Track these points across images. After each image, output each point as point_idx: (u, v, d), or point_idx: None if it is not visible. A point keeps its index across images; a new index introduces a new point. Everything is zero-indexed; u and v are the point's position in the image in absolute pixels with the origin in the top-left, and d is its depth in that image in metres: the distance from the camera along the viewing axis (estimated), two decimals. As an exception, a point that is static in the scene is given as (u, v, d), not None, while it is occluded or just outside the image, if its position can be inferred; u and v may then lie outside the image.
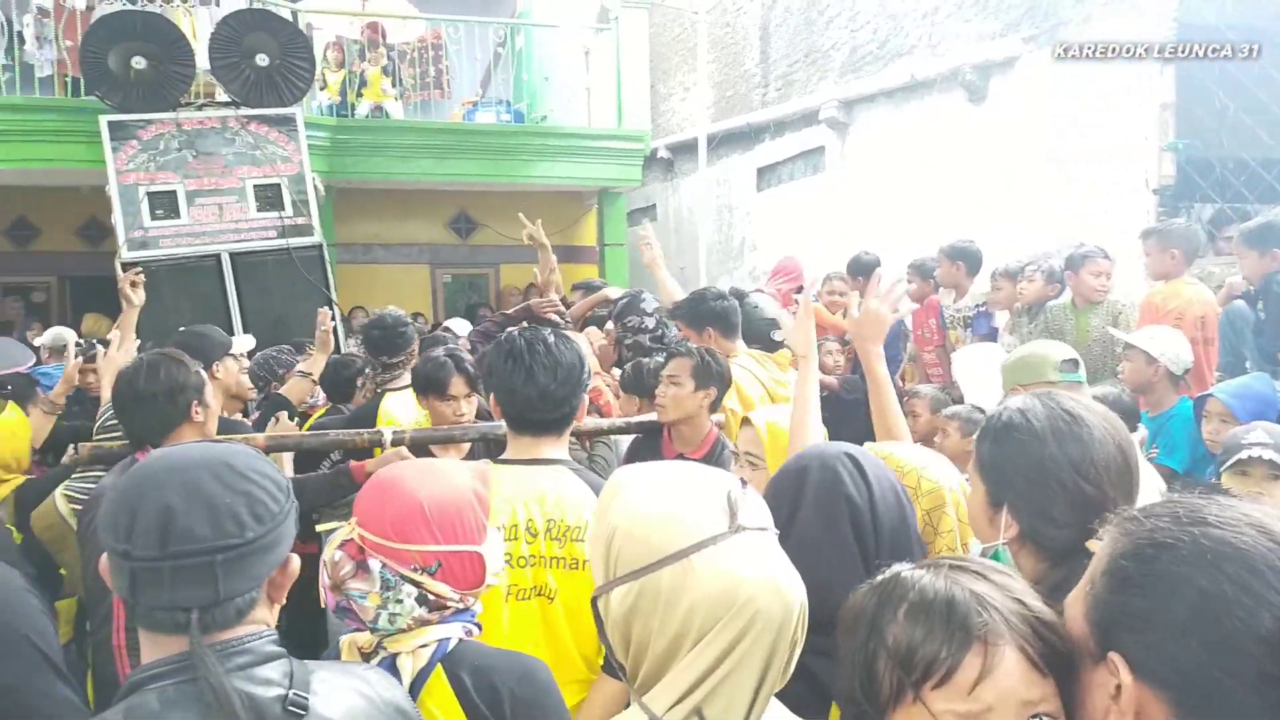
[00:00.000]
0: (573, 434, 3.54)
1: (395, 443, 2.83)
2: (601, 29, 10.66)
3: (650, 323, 4.29)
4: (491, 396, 2.22)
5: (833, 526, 1.59)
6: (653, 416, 3.24)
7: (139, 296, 4.10)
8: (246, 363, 4.19)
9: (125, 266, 5.89)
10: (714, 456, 3.08)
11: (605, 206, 10.84)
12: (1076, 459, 1.41)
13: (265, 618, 1.17)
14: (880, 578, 1.05)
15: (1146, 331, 3.90)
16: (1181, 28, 5.47)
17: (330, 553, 1.48)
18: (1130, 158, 5.75)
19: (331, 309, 6.28)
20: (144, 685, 1.09)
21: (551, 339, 2.13)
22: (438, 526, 1.51)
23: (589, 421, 3.39)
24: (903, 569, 1.03)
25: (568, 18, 11.25)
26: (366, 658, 1.49)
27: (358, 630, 1.54)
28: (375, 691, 1.22)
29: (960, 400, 4.39)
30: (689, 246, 11.07)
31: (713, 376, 3.08)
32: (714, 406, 3.15)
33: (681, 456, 3.14)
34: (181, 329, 4.04)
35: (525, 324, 4.17)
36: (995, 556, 1.45)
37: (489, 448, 2.95)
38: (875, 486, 1.62)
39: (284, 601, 1.23)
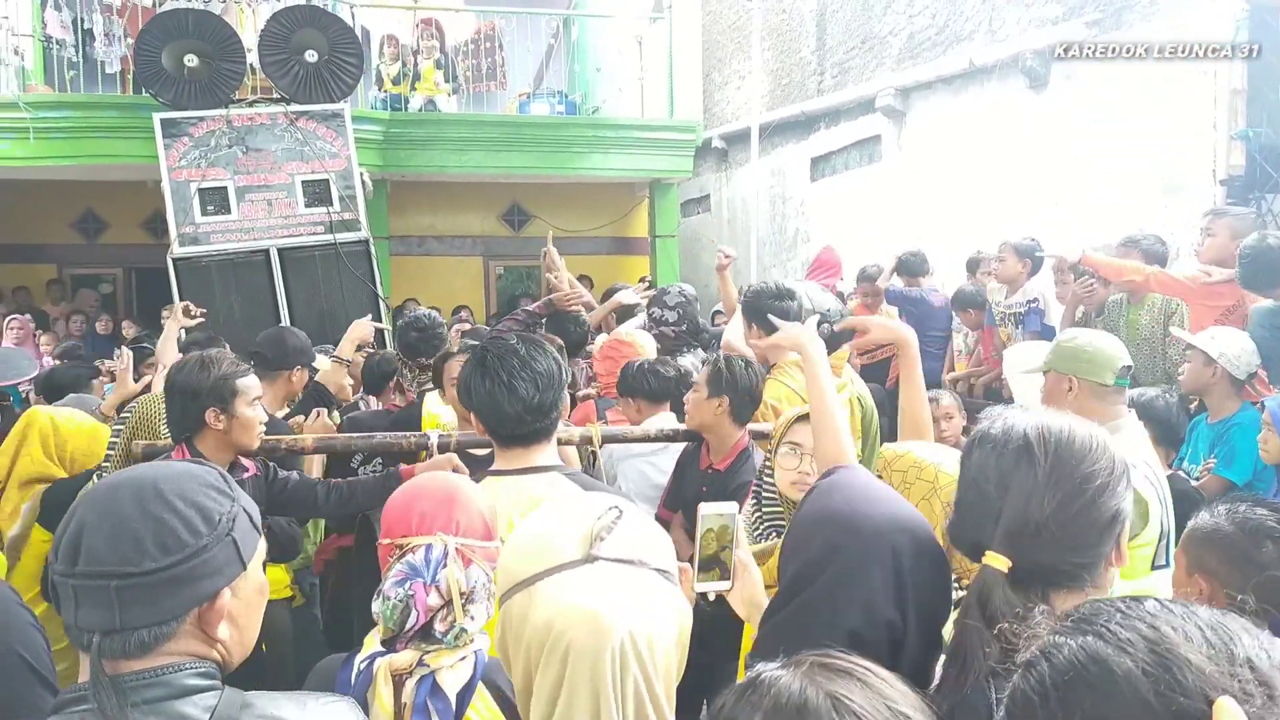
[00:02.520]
0: (619, 441, 3.50)
1: (441, 447, 2.82)
2: (655, 18, 10.57)
3: (671, 316, 4.22)
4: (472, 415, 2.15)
5: (832, 628, 1.31)
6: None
7: (177, 321, 4.38)
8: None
9: (177, 261, 6.02)
10: (737, 468, 3.00)
11: (657, 197, 10.77)
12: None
13: (192, 649, 1.12)
14: (742, 681, 0.93)
15: (1209, 331, 3.71)
16: (1255, 8, 5.18)
17: (451, 574, 1.45)
18: (1197, 147, 5.49)
19: (377, 304, 6.36)
20: (64, 707, 1.07)
21: (522, 348, 2.08)
22: (495, 525, 1.61)
23: (634, 430, 3.33)
24: (765, 669, 0.92)
25: (621, 8, 11.19)
26: (405, 677, 1.45)
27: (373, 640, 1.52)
28: None
29: (1009, 399, 4.27)
30: (742, 238, 10.94)
31: (724, 385, 2.98)
32: (739, 417, 3.05)
33: (711, 468, 3.08)
34: (281, 326, 4.08)
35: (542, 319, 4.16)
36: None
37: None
38: (910, 595, 1.34)
39: (222, 635, 1.15)
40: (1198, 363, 3.55)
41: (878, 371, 6.50)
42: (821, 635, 1.28)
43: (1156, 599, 0.80)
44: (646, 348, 3.94)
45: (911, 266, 6.47)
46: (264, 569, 1.23)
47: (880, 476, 2.01)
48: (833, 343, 3.53)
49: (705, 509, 1.90)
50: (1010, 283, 5.46)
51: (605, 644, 1.01)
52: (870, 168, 9.37)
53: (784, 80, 11.10)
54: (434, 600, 1.43)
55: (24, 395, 5.14)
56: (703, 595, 1.70)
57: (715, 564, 1.80)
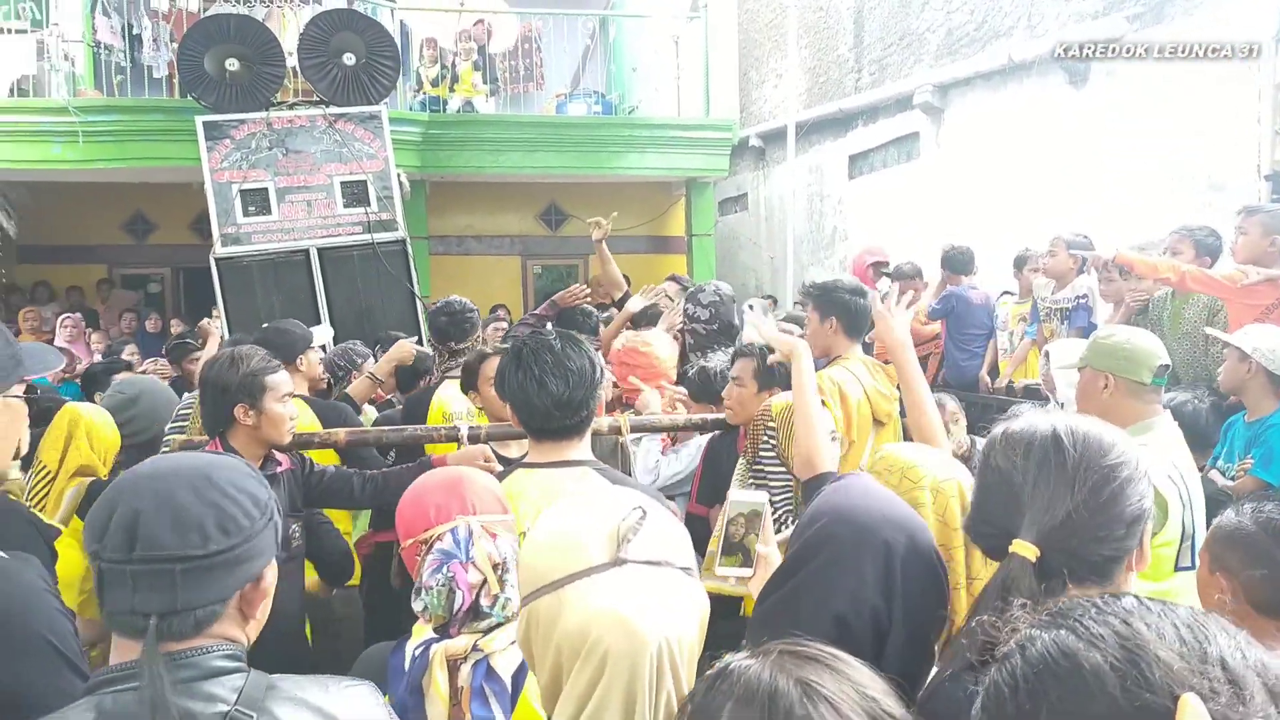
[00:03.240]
0: (649, 430, 3.53)
1: (472, 439, 2.86)
2: (692, 18, 10.57)
3: (704, 314, 4.21)
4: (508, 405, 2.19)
5: (819, 612, 1.35)
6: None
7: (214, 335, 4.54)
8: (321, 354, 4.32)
9: (219, 261, 6.15)
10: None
11: (693, 196, 10.77)
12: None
13: (229, 632, 1.17)
14: (710, 671, 0.94)
15: (1245, 328, 3.64)
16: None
17: (480, 547, 1.51)
18: (1241, 142, 5.37)
19: (414, 302, 6.44)
20: (99, 689, 1.11)
21: (558, 344, 2.10)
22: (506, 502, 1.71)
23: (663, 419, 3.36)
24: (734, 659, 0.92)
25: (658, 7, 11.20)
26: (459, 663, 1.51)
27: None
28: (348, 713, 1.19)
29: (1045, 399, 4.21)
30: (779, 236, 10.91)
31: (775, 377, 2.99)
32: None
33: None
34: (265, 325, 4.17)
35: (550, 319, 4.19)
36: None
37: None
38: (898, 585, 1.36)
39: (259, 618, 1.23)
40: (1233, 359, 3.48)
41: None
42: (810, 617, 1.33)
43: (1136, 596, 0.80)
44: (663, 352, 3.95)
45: (957, 262, 6.38)
46: None
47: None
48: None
49: (735, 495, 1.93)
50: (1060, 278, 5.38)
51: (643, 650, 1.02)
52: (908, 165, 9.29)
53: (821, 78, 11.04)
54: (474, 576, 1.47)
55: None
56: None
57: (739, 550, 1.82)
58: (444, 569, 1.49)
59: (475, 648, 1.49)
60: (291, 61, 7.16)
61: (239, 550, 1.15)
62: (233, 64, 6.43)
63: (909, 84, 8.92)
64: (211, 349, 4.52)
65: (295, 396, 3.54)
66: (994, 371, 6.05)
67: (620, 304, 5.45)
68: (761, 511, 1.85)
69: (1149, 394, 2.49)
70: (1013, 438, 1.34)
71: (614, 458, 3.16)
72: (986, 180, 7.85)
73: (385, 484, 2.85)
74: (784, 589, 1.40)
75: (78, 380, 5.49)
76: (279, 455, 2.76)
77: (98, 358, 7.38)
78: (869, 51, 10.03)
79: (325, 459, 3.12)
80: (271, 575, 1.23)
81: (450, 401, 3.63)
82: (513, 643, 1.50)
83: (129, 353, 7.01)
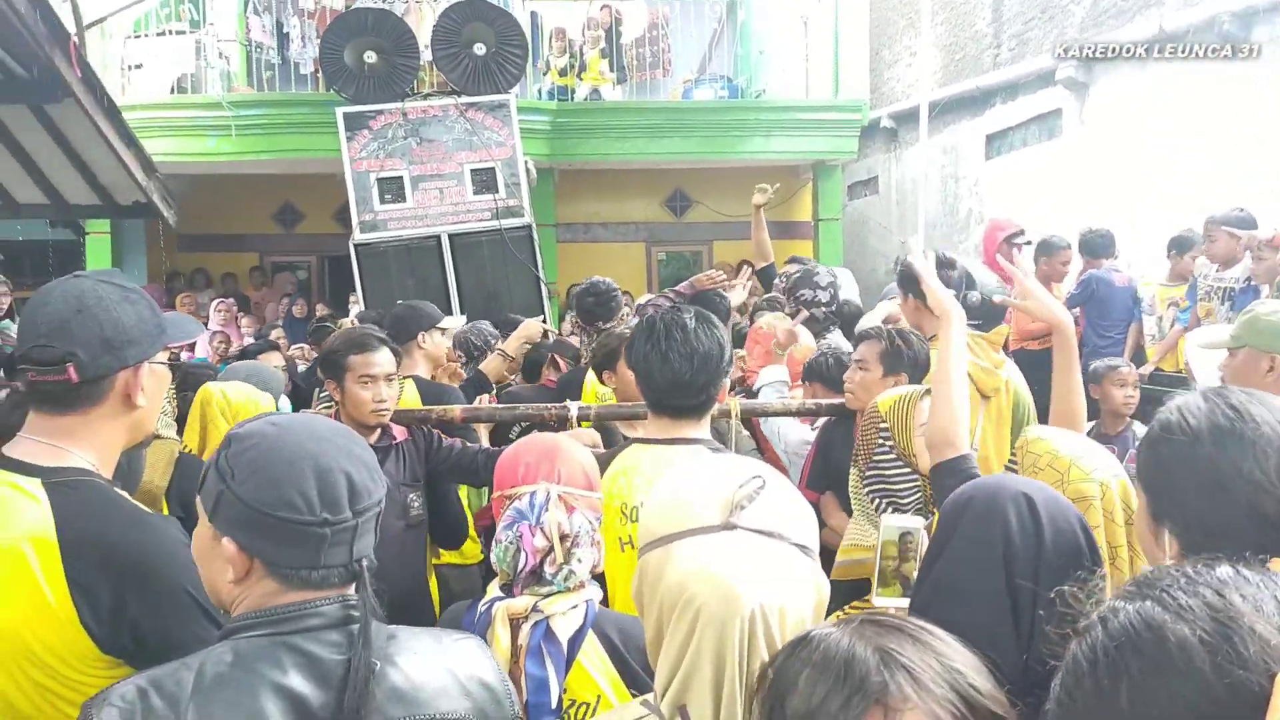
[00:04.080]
0: (760, 415, 3.50)
1: (581, 418, 2.89)
2: (822, -3, 10.38)
3: (824, 296, 4.14)
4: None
5: (983, 573, 1.32)
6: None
7: None
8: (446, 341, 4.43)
9: (358, 247, 6.42)
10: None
11: (820, 180, 10.58)
12: (1238, 460, 1.20)
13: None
14: (793, 639, 0.92)
15: None
16: None
17: (552, 515, 1.56)
18: None
19: (539, 286, 6.57)
20: (234, 634, 1.19)
21: (692, 324, 2.08)
22: (596, 479, 1.74)
23: (776, 404, 3.32)
24: (817, 628, 0.90)
25: (788, -12, 11.03)
26: (520, 622, 1.55)
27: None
28: (462, 666, 1.24)
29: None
30: (910, 220, 10.60)
31: (903, 361, 2.86)
32: None
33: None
34: (399, 302, 4.31)
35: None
36: None
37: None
38: (1049, 537, 1.33)
39: None
40: None
41: (1045, 358, 6.16)
42: (977, 579, 1.30)
43: (1233, 566, 0.74)
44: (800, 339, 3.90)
45: (1095, 246, 6.05)
46: None
47: (1012, 455, 1.93)
48: (989, 317, 3.40)
49: (889, 520, 1.84)
50: (1225, 263, 5.04)
51: (735, 613, 1.02)
52: (1050, 144, 8.88)
53: (957, 55, 10.64)
54: (540, 542, 1.51)
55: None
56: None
57: (897, 578, 1.74)
58: (514, 528, 1.54)
59: (535, 608, 1.52)
60: (427, 56, 7.39)
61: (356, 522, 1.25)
62: (370, 56, 6.69)
63: (1051, 59, 8.50)
64: None
65: (408, 377, 3.66)
66: (1138, 358, 5.71)
67: (762, 275, 5.45)
68: (916, 535, 1.77)
69: None
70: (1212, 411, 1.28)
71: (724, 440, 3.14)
72: (1134, 159, 7.41)
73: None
74: (937, 565, 1.36)
75: (229, 361, 5.85)
76: (395, 429, 2.84)
77: (248, 340, 7.84)
78: (1008, 26, 9.61)
79: None
80: None
81: (599, 383, 3.62)
82: (574, 607, 1.53)
83: (276, 335, 7.43)
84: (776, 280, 4.96)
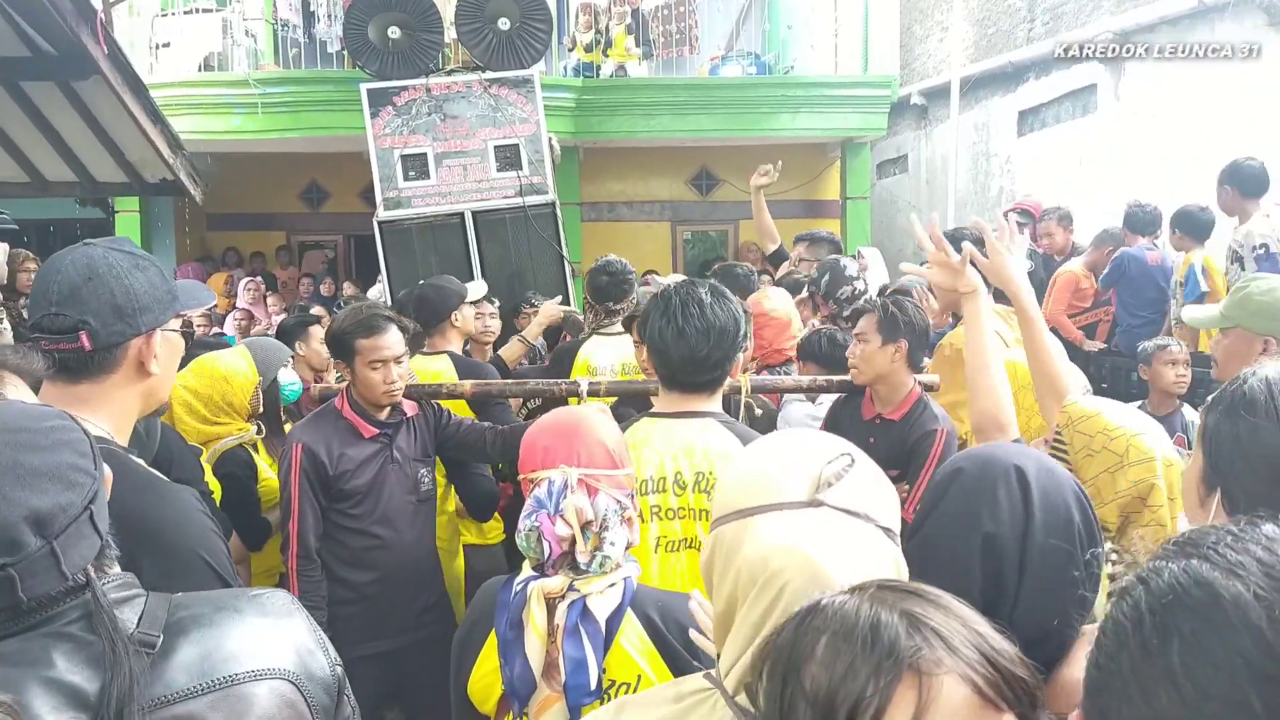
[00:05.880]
0: (770, 391, 3.49)
1: (591, 393, 2.87)
2: (850, -29, 10.22)
3: (860, 285, 4.09)
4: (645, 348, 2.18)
5: (960, 543, 1.29)
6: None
7: None
8: (490, 306, 4.41)
9: (382, 225, 6.41)
10: (914, 418, 2.89)
11: (849, 158, 10.46)
12: None
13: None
14: (800, 607, 0.85)
15: None
16: None
17: (572, 501, 1.50)
18: None
19: (562, 264, 6.53)
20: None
21: (708, 298, 2.05)
22: (625, 452, 1.64)
23: (786, 380, 3.30)
24: (824, 596, 0.84)
25: (816, -38, 10.87)
26: (556, 601, 1.52)
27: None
28: (263, 621, 1.17)
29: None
30: (940, 198, 10.45)
31: (900, 328, 2.85)
32: (915, 361, 2.93)
33: (880, 418, 2.97)
34: (421, 281, 4.29)
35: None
36: None
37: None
38: (1038, 513, 1.28)
39: None
40: None
41: (1086, 332, 6.09)
42: (956, 545, 1.26)
43: (1275, 523, 0.70)
44: (780, 305, 3.88)
45: (1140, 221, 5.90)
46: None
47: (1059, 433, 1.87)
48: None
49: None
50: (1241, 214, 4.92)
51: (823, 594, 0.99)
52: (1084, 120, 8.70)
53: (990, 29, 10.45)
54: (561, 530, 1.46)
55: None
56: None
57: None
58: (533, 516, 1.49)
59: (572, 587, 1.49)
60: (452, 33, 7.34)
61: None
62: (394, 32, 6.65)
63: (1087, 32, 8.32)
64: None
65: (442, 352, 3.66)
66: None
67: (773, 259, 5.36)
68: None
69: None
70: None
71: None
72: (1172, 136, 7.24)
73: (509, 439, 2.89)
74: (922, 529, 1.33)
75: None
76: (405, 405, 2.83)
77: (276, 318, 7.88)
78: (1042, 0, 9.42)
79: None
80: None
81: (594, 355, 3.69)
82: (611, 585, 1.49)
83: (317, 310, 7.43)
84: (809, 285, 4.74)
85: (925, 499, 1.38)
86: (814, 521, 1.01)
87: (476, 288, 4.43)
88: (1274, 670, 0.62)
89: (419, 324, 3.98)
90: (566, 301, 5.90)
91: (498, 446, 2.91)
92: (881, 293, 3.77)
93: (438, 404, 2.98)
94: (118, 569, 1.14)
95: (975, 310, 2.06)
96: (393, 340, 2.69)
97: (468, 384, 3.11)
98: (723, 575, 1.05)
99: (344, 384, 2.84)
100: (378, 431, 2.73)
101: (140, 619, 1.09)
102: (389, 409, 2.77)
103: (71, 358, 1.53)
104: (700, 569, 1.13)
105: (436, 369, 3.58)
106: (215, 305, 8.27)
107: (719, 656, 1.07)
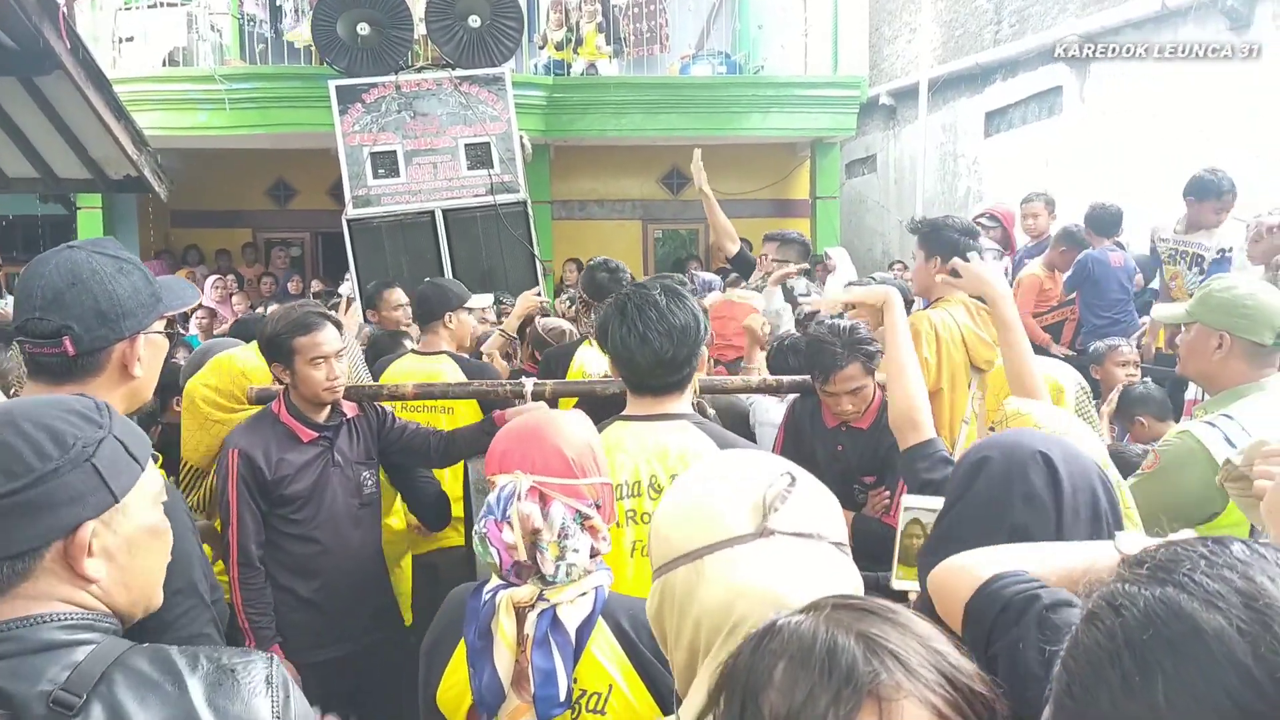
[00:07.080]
0: (719, 391, 3.46)
1: (536, 395, 2.81)
2: (821, -29, 10.26)
3: (807, 306, 4.15)
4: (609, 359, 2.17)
5: (986, 534, 1.27)
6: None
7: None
8: (489, 317, 4.37)
9: (351, 223, 6.35)
10: (881, 424, 2.87)
11: (818, 158, 10.51)
12: None
13: (60, 592, 1.03)
14: (757, 629, 0.82)
15: None
16: None
17: (518, 508, 1.44)
18: None
19: (535, 263, 6.51)
20: None
21: (663, 300, 2.04)
22: (593, 461, 1.56)
23: (736, 380, 3.28)
24: (780, 616, 0.81)
25: (787, -38, 10.91)
26: (525, 611, 1.48)
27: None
28: (201, 702, 1.00)
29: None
30: (909, 198, 10.54)
31: (874, 357, 2.81)
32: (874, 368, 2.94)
33: (845, 425, 2.96)
34: (427, 279, 4.20)
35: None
36: None
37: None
38: (1068, 498, 1.27)
39: (95, 574, 1.05)
40: None
41: (1051, 332, 6.15)
42: (982, 538, 1.25)
43: (1243, 542, 0.68)
44: (759, 303, 3.89)
45: (1103, 222, 5.96)
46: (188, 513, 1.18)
47: (993, 429, 1.91)
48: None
49: (910, 501, 1.80)
50: (1200, 227, 4.98)
51: None
52: (1050, 121, 8.82)
53: (957, 31, 10.55)
54: (509, 537, 1.43)
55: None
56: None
57: (918, 559, 1.71)
58: (483, 522, 1.46)
59: (541, 597, 1.45)
60: (422, 29, 7.28)
61: (27, 494, 0.99)
62: (364, 28, 6.59)
63: (1052, 35, 8.42)
64: (353, 314, 4.67)
65: (441, 353, 3.61)
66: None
67: (736, 261, 5.32)
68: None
69: (1266, 357, 2.24)
70: None
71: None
72: (1136, 137, 7.35)
73: (452, 442, 2.86)
74: (947, 519, 1.34)
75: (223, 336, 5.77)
76: (345, 406, 2.77)
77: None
78: (1009, 2, 9.52)
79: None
80: (93, 530, 1.04)
81: (590, 362, 3.54)
82: (582, 594, 1.46)
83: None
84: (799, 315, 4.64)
85: (951, 489, 1.38)
86: (768, 553, 0.96)
87: (481, 299, 4.37)
88: (1262, 708, 0.60)
89: (417, 321, 3.93)
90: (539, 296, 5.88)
91: (440, 450, 2.86)
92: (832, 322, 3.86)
93: (380, 405, 2.91)
94: (90, 600, 1.05)
95: (892, 319, 2.20)
96: (330, 336, 2.62)
97: (409, 385, 3.01)
98: (679, 626, 1.00)
99: (280, 387, 2.77)
100: (317, 435, 2.66)
101: (73, 672, 0.98)
102: (328, 410, 2.70)
103: (55, 361, 1.54)
104: (649, 619, 1.07)
105: (437, 370, 3.52)
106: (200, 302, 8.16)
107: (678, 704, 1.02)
